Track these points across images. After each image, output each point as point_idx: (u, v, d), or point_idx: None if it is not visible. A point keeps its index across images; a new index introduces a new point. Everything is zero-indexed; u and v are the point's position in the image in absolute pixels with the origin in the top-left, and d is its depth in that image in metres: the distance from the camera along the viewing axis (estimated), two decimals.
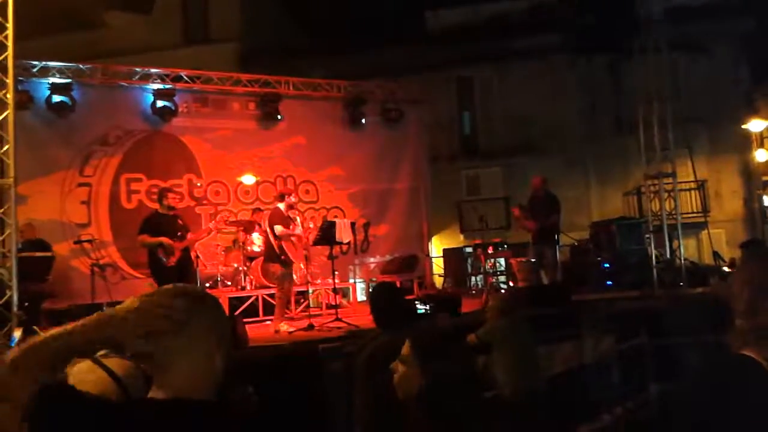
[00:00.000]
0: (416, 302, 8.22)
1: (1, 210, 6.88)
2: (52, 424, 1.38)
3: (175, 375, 1.45)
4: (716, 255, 12.90)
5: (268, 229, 8.27)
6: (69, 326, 1.45)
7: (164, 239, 7.68)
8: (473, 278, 13.12)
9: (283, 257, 8.18)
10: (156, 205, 8.34)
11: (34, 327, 6.87)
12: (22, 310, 6.66)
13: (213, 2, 19.04)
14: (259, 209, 10.88)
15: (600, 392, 7.34)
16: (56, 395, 1.39)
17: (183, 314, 1.46)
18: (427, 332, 2.60)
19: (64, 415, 1.38)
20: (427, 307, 7.90)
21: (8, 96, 6.87)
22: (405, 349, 2.48)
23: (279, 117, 11.61)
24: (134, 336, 1.44)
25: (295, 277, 8.55)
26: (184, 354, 1.45)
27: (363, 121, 12.35)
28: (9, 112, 6.83)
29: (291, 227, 8.22)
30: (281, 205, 8.34)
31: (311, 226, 9.13)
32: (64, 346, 1.44)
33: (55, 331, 1.45)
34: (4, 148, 6.84)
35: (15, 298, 6.53)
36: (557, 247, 10.55)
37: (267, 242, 8.56)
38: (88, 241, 9.32)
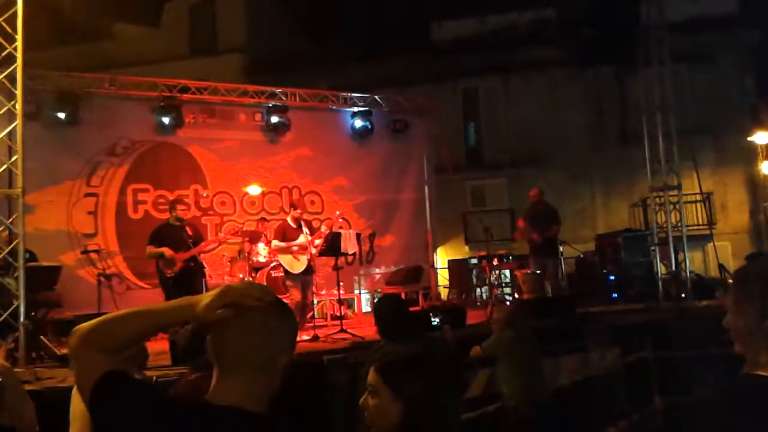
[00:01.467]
0: (429, 314, 8.21)
1: (9, 220, 6.92)
2: (113, 411, 1.41)
3: (237, 383, 1.47)
4: (722, 267, 12.86)
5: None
6: (142, 307, 1.52)
7: (165, 250, 7.82)
8: (478, 290, 13.10)
9: (281, 267, 8.36)
10: (166, 216, 8.48)
11: (41, 337, 6.91)
12: (28, 320, 6.68)
13: (220, 14, 19.20)
14: (264, 219, 10.92)
15: (605, 405, 7.32)
16: (120, 384, 1.43)
17: (264, 324, 1.50)
18: (396, 354, 2.31)
19: (126, 404, 1.42)
20: (438, 319, 7.92)
21: (17, 107, 6.94)
22: (371, 377, 2.14)
23: (285, 128, 11.65)
24: (215, 308, 1.47)
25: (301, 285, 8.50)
26: (251, 364, 1.48)
27: (368, 132, 12.38)
28: (18, 122, 6.89)
29: (299, 237, 8.27)
30: (289, 218, 8.49)
31: (323, 229, 9.07)
32: (138, 324, 1.50)
33: (126, 310, 1.51)
34: (13, 159, 6.90)
35: (22, 308, 6.56)
36: (559, 258, 10.53)
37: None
38: (95, 251, 9.36)
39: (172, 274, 7.86)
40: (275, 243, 8.31)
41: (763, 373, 1.69)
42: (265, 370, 1.50)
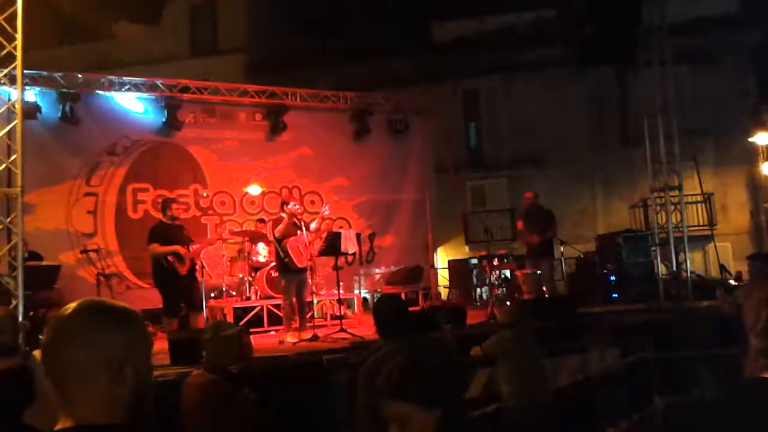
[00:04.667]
0: (434, 313, 8.18)
1: (8, 219, 6.91)
2: None
3: (78, 401, 1.40)
4: (723, 268, 12.85)
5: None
6: None
7: (178, 247, 7.69)
8: (478, 290, 13.08)
9: (287, 260, 8.14)
10: (159, 215, 8.34)
11: (39, 336, 6.89)
12: (27, 319, 6.67)
13: (220, 14, 19.21)
14: (262, 220, 10.89)
15: (605, 405, 7.30)
16: None
17: (80, 332, 1.42)
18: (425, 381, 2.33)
19: None
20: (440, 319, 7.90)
21: (17, 106, 6.93)
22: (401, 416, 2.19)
23: (285, 128, 11.65)
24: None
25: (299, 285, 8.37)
26: (82, 379, 1.40)
27: (369, 132, 12.37)
28: (17, 121, 6.88)
29: (298, 234, 8.15)
30: (284, 215, 8.33)
31: (325, 211, 8.83)
32: None
33: None
34: (12, 158, 6.88)
35: (21, 307, 6.55)
36: (553, 259, 10.56)
37: (274, 252, 8.54)
38: (94, 250, 9.36)
39: (186, 272, 7.71)
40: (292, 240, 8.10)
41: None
42: (105, 382, 1.41)
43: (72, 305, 1.48)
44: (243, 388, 4.11)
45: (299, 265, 8.06)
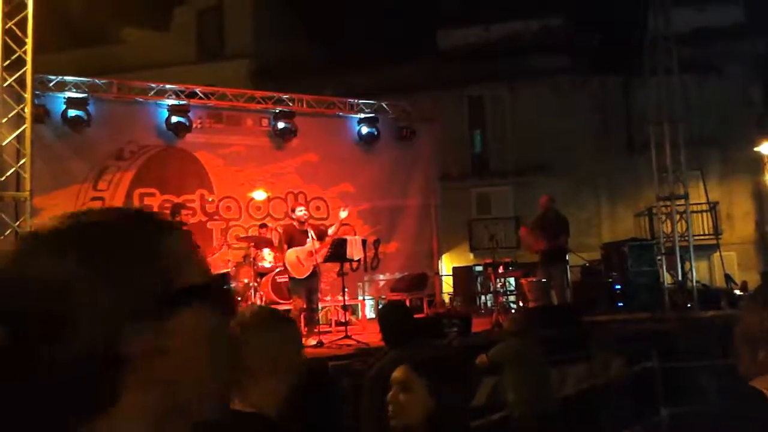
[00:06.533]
0: (441, 320, 8.19)
1: (17, 223, 6.95)
2: None
3: (254, 391, 1.67)
4: (728, 278, 12.83)
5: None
6: None
7: None
8: (483, 297, 13.07)
9: (286, 268, 8.24)
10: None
11: None
12: None
13: (228, 20, 19.29)
14: (264, 225, 10.92)
15: (610, 415, 7.29)
16: None
17: (253, 331, 1.71)
18: (432, 354, 2.46)
19: None
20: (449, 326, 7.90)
21: (26, 110, 6.98)
22: (401, 374, 2.30)
23: (292, 134, 11.68)
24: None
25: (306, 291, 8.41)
26: (252, 370, 1.66)
27: (375, 138, 12.39)
28: (26, 126, 6.94)
29: (308, 241, 8.17)
30: (294, 223, 8.37)
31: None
32: None
33: None
34: (21, 162, 6.93)
35: None
36: (566, 267, 10.49)
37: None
38: None
39: None
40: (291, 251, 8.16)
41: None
42: (274, 379, 1.71)
43: (246, 309, 1.90)
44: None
45: (298, 276, 8.10)
